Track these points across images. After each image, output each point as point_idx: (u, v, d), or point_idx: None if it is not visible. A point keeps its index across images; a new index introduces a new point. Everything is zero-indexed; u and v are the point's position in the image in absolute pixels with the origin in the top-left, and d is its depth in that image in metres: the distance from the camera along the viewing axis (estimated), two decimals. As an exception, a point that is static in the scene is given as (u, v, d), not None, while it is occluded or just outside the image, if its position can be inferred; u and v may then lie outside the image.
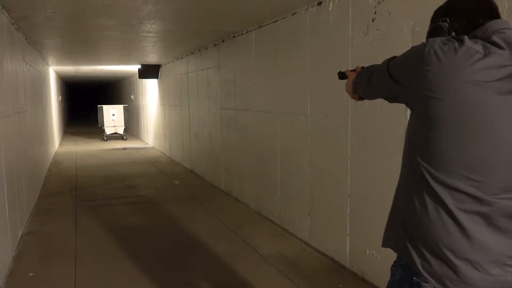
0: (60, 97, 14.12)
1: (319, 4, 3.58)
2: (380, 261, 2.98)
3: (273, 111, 4.52)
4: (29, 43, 5.90)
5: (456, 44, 1.12)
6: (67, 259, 3.74)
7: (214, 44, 6.22)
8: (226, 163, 6.10)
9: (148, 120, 12.26)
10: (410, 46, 2.78)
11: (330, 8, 3.44)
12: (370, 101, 2.83)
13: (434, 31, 1.27)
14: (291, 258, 3.70)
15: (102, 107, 13.44)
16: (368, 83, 1.43)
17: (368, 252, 3.14)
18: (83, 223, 4.79)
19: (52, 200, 5.87)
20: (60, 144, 12.56)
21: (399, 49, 2.79)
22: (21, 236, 4.30)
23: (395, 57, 1.32)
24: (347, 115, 3.28)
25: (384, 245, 1.37)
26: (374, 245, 3.06)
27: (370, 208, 3.10)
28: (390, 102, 1.43)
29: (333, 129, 3.49)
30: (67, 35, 5.48)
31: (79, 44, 6.36)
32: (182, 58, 8.15)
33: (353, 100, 1.72)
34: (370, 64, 1.55)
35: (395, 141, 2.76)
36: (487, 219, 1.14)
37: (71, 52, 7.38)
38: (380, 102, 1.86)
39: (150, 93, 11.63)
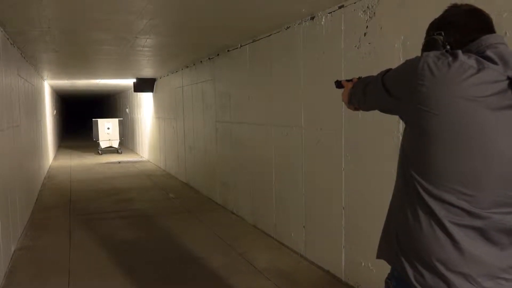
0: (55, 111, 14.09)
1: (312, 18, 3.63)
2: (376, 274, 2.98)
3: (267, 124, 4.54)
4: (24, 58, 5.91)
5: (450, 58, 1.13)
6: (61, 274, 3.70)
7: (209, 58, 6.27)
8: (222, 176, 6.09)
9: (143, 133, 12.25)
10: (401, 60, 2.83)
11: (322, 23, 3.49)
12: (364, 113, 2.86)
13: (429, 44, 1.28)
14: (287, 272, 3.68)
15: (97, 120, 13.42)
16: (363, 94, 1.45)
17: (363, 264, 3.13)
18: (77, 238, 4.75)
19: (46, 215, 5.82)
20: (55, 158, 12.50)
21: (391, 63, 2.83)
22: (14, 252, 4.25)
23: (390, 69, 1.33)
24: (341, 127, 3.30)
25: (378, 256, 1.38)
26: (369, 258, 3.06)
27: (365, 220, 3.10)
28: (387, 113, 1.44)
29: (327, 141, 3.51)
30: (62, 50, 5.50)
31: (74, 58, 6.39)
32: (177, 71, 8.19)
33: (346, 112, 1.74)
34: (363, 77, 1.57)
35: (388, 153, 2.78)
36: (480, 233, 1.14)
37: (66, 66, 7.40)
38: (372, 113, 1.88)
39: (145, 106, 11.65)
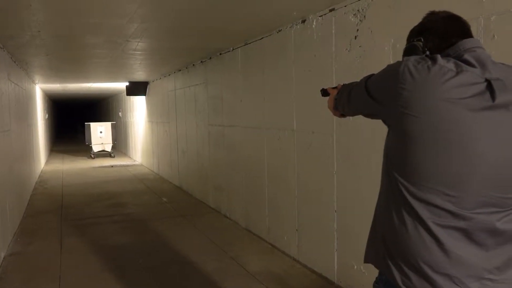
0: (46, 115, 14.01)
1: (303, 22, 3.64)
2: (368, 276, 2.98)
3: (260, 127, 4.54)
4: (15, 62, 5.87)
5: (429, 62, 1.15)
6: (51, 281, 3.66)
7: (201, 61, 6.27)
8: (214, 180, 6.08)
9: (136, 137, 12.20)
10: (391, 62, 2.83)
11: (314, 26, 3.50)
12: (354, 117, 2.87)
13: (409, 50, 1.31)
14: (280, 275, 3.67)
15: (89, 124, 13.36)
16: (348, 100, 1.46)
17: (356, 267, 3.13)
18: (69, 243, 4.71)
19: (37, 220, 5.77)
20: (47, 162, 12.41)
21: (381, 66, 2.83)
22: (4, 258, 4.20)
23: (373, 75, 1.35)
24: (333, 131, 3.31)
25: (366, 260, 1.38)
26: (361, 260, 3.04)
27: (357, 223, 3.10)
28: (371, 118, 1.45)
29: (319, 145, 3.51)
30: (53, 54, 5.47)
31: (65, 62, 6.35)
32: (169, 75, 8.17)
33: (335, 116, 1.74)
34: (353, 80, 1.58)
35: (380, 156, 2.78)
36: (465, 234, 1.15)
37: (58, 70, 7.35)
38: (363, 118, 1.88)
39: (138, 110, 11.61)
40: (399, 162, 1.22)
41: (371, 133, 2.89)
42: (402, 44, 2.78)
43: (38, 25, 3.79)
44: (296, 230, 3.94)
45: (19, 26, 3.84)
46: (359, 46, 2.99)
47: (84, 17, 3.57)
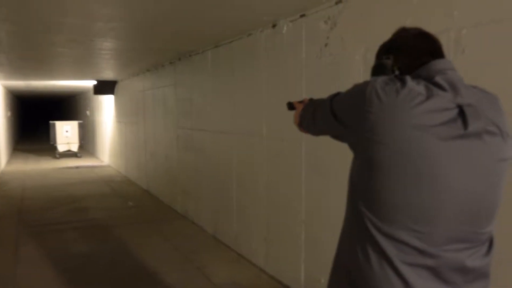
0: (9, 112, 13.43)
1: (274, 26, 3.55)
2: (335, 290, 2.91)
3: (229, 132, 4.42)
4: (-30, 58, 5.54)
5: (398, 84, 1.06)
6: (2, 294, 3.44)
7: (170, 62, 6.09)
8: (182, 184, 5.91)
9: (104, 137, 11.84)
10: (362, 72, 2.75)
11: (284, 31, 3.41)
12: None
13: (377, 68, 1.22)
14: (246, 286, 3.57)
15: (54, 123, 12.87)
16: (312, 118, 1.36)
17: (322, 281, 3.06)
18: (26, 252, 4.44)
19: (-8, 226, 5.46)
20: (8, 162, 11.88)
21: (351, 74, 2.76)
22: (-48, 269, 3.93)
23: (339, 93, 1.25)
24: (301, 139, 3.22)
25: (329, 293, 1.29)
26: (328, 274, 2.98)
27: (325, 235, 3.03)
28: (338, 140, 1.35)
29: (288, 153, 3.42)
30: (12, 51, 5.17)
31: (27, 59, 6.03)
32: (138, 75, 7.94)
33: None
34: (323, 87, 1.49)
35: (348, 166, 2.72)
36: (433, 273, 1.07)
37: (18, 67, 7.00)
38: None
39: (106, 109, 11.27)
40: (364, 192, 1.12)
41: (339, 143, 2.82)
42: (372, 54, 2.71)
43: (-9, 21, 3.54)
44: (264, 239, 3.84)
45: (-29, 21, 3.59)
46: (330, 54, 2.92)
47: (40, 15, 3.36)
